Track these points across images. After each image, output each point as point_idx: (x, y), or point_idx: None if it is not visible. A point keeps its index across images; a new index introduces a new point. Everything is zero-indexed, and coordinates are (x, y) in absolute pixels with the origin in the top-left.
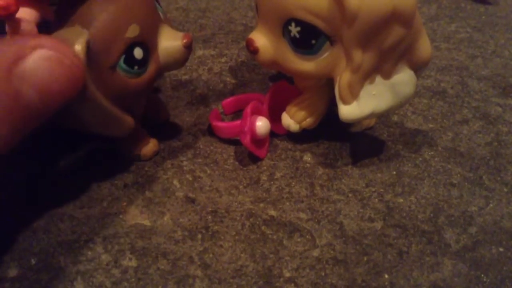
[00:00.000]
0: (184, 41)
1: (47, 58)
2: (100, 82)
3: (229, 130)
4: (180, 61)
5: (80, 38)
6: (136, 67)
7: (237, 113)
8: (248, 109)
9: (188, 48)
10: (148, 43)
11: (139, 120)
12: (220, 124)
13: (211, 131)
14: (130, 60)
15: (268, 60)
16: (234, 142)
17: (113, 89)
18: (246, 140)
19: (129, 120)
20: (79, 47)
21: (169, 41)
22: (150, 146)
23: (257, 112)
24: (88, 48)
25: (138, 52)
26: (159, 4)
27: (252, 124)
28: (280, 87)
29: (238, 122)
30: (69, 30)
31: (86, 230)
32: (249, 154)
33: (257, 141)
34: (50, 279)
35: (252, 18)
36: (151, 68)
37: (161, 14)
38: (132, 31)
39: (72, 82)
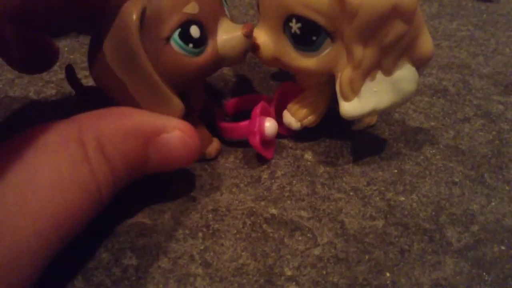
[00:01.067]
0: (244, 30)
1: (181, 139)
2: (152, 53)
3: (235, 131)
4: (240, 52)
5: (137, 5)
6: (191, 45)
7: (236, 114)
8: (258, 110)
9: (248, 37)
10: (206, 26)
11: (197, 116)
12: (226, 125)
13: (212, 130)
14: (185, 35)
15: (269, 57)
16: (234, 140)
17: (165, 64)
18: (256, 141)
19: (177, 103)
20: (134, 15)
21: (229, 33)
22: (214, 145)
23: (265, 113)
24: (144, 15)
25: (194, 30)
26: (226, 1)
27: (261, 125)
28: (287, 88)
29: (244, 123)
30: None
31: (86, 229)
32: (250, 152)
33: (265, 142)
34: (50, 278)
35: (253, 16)
36: (207, 53)
37: (226, 9)
38: (191, 8)
39: (188, 160)
